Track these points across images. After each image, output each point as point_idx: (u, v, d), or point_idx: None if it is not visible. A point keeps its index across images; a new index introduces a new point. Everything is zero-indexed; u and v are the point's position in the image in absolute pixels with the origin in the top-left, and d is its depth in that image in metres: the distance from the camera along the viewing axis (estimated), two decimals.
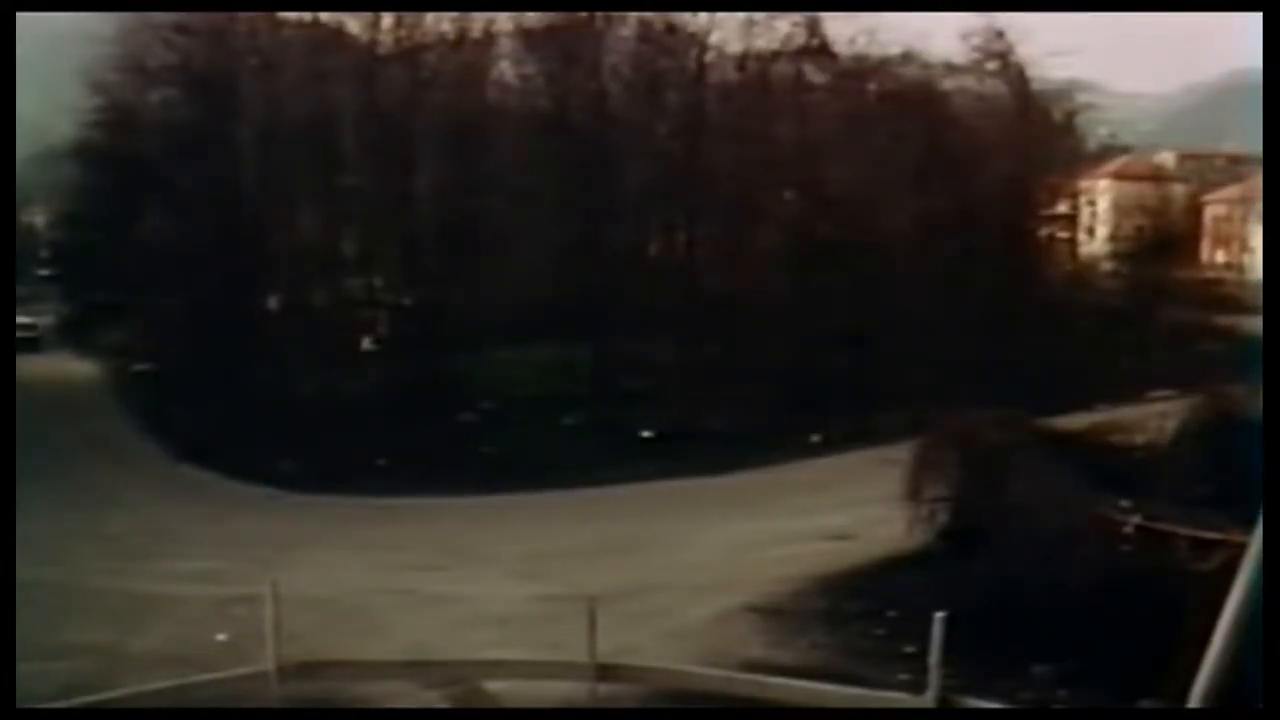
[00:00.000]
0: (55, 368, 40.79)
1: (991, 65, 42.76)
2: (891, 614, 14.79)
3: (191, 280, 37.22)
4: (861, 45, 40.65)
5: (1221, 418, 18.56)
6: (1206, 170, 62.72)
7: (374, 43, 41.12)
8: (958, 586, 13.81)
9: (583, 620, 9.60)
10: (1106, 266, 48.48)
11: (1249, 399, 16.64)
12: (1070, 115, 47.50)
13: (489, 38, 42.21)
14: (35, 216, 60.23)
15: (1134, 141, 66.16)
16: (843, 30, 40.33)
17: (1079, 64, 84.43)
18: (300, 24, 43.33)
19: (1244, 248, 53.99)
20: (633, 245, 41.03)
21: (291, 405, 33.97)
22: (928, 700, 8.93)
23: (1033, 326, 37.36)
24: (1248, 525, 3.63)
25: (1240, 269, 52.44)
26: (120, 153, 41.19)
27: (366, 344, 40.55)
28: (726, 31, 41.06)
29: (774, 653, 13.94)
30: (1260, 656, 3.22)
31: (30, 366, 36.26)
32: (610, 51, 41.22)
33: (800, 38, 40.61)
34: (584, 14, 40.87)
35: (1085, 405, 28.19)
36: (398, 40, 40.97)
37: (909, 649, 12.09)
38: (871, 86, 42.41)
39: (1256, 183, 40.46)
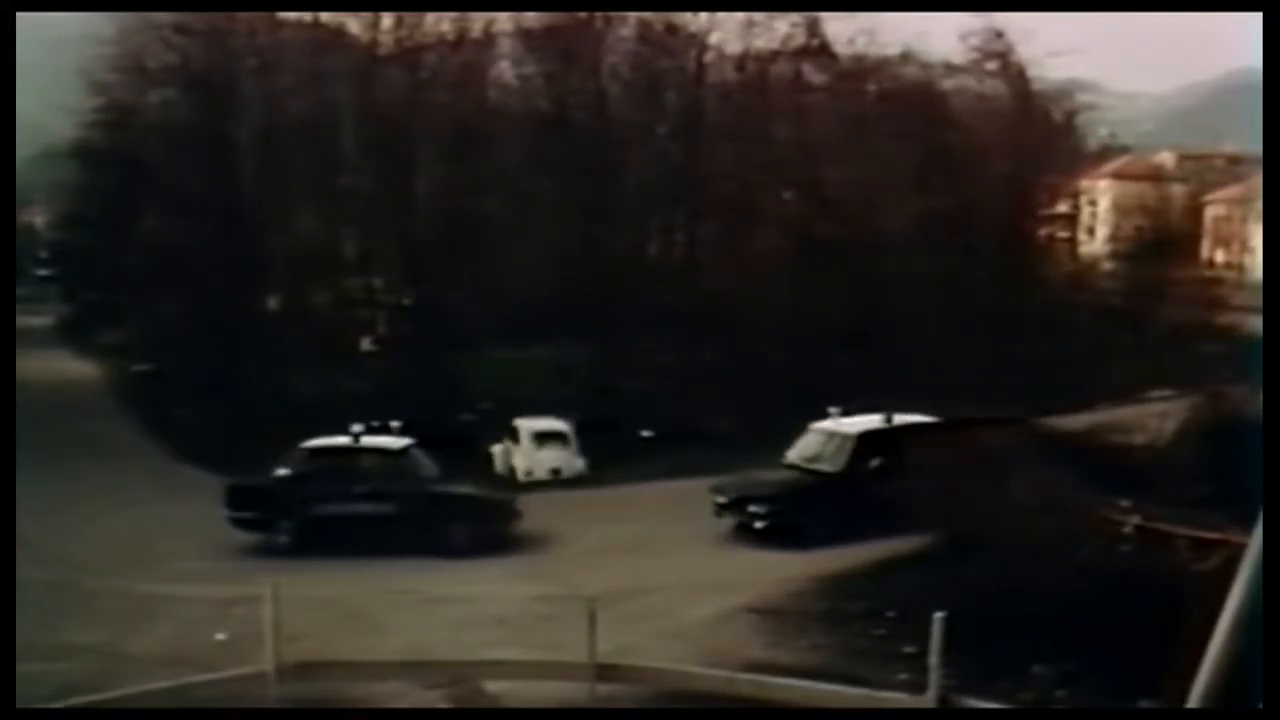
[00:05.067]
0: (55, 367, 40.72)
1: (991, 65, 42.73)
2: (891, 614, 14.79)
3: (191, 280, 37.19)
4: (861, 45, 40.69)
5: (1221, 418, 18.55)
6: (1206, 170, 62.76)
7: (374, 43, 41.09)
8: (957, 586, 13.81)
9: (582, 620, 9.61)
10: (1106, 266, 48.46)
11: (1249, 399, 16.64)
12: (1070, 115, 47.43)
13: (489, 38, 42.20)
14: (35, 216, 60.18)
15: (1134, 141, 66.30)
16: (842, 30, 40.37)
17: (1079, 64, 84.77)
18: (300, 24, 43.32)
19: (1244, 248, 54.03)
20: (633, 245, 40.93)
21: (291, 405, 33.90)
22: (928, 700, 8.95)
23: (1033, 326, 37.32)
24: (1247, 525, 3.63)
25: (1240, 269, 52.46)
26: (120, 153, 41.17)
27: (366, 344, 40.52)
28: (726, 32, 41.13)
29: (774, 653, 13.94)
30: (1260, 656, 3.22)
31: (30, 366, 36.16)
32: (610, 52, 41.21)
33: (799, 38, 40.60)
34: (584, 14, 40.87)
35: (1085, 405, 28.17)
36: (397, 40, 40.92)
37: (909, 649, 12.10)
38: (871, 87, 42.37)
39: (1256, 182, 40.45)
